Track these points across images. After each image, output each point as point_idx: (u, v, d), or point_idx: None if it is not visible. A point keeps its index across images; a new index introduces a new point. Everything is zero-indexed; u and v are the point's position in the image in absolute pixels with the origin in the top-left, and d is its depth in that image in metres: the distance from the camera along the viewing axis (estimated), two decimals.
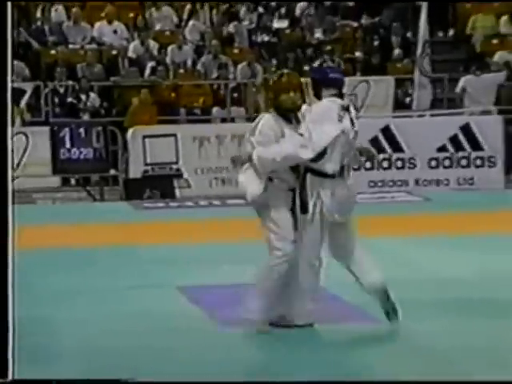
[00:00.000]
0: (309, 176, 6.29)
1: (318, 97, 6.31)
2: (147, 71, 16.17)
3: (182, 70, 16.54)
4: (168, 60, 16.67)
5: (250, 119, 15.62)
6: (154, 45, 16.88)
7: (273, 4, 18.74)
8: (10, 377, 4.00)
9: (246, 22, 18.01)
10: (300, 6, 18.40)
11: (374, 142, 13.68)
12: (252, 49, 17.30)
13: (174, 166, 14.04)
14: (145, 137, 14.01)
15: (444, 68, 16.11)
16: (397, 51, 17.01)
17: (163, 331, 6.57)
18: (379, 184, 13.68)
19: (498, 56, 16.61)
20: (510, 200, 13.18)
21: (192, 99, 15.84)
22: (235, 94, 15.97)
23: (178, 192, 13.98)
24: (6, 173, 3.89)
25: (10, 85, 3.90)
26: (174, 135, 14.10)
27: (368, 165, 13.71)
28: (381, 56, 16.85)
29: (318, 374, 5.52)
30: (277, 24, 18.00)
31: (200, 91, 16.06)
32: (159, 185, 13.92)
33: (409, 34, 17.30)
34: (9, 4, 3.89)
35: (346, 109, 6.30)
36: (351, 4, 18.48)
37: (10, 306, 3.94)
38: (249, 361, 5.98)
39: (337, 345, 6.30)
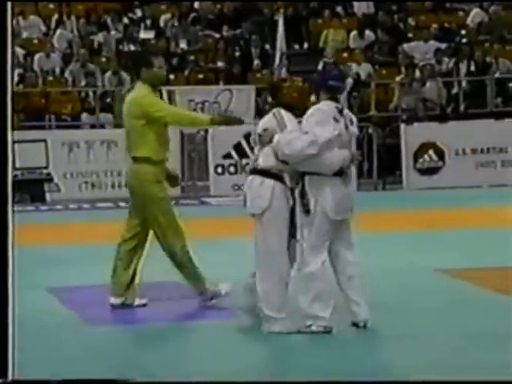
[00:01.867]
0: (307, 176, 6.20)
1: (317, 98, 6.33)
2: (15, 78, 15.83)
3: (50, 78, 16.29)
4: (36, 67, 16.38)
5: (118, 125, 15.55)
6: (19, 52, 16.55)
7: (138, 15, 18.67)
8: (10, 377, 3.85)
9: (113, 32, 17.86)
10: (164, 17, 18.40)
11: (238, 147, 13.83)
12: (118, 58, 17.17)
13: (44, 171, 13.80)
14: (14, 142, 13.66)
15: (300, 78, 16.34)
16: (256, 62, 17.21)
17: (33, 330, 6.47)
18: (243, 187, 13.75)
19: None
20: (362, 202, 13.51)
21: (61, 106, 15.62)
22: (103, 101, 15.85)
23: (48, 196, 13.76)
24: (6, 173, 3.83)
25: (10, 86, 3.83)
26: (44, 140, 13.88)
27: (232, 169, 13.87)
28: (241, 66, 17.01)
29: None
30: (143, 34, 17.94)
31: (69, 98, 15.86)
32: (29, 189, 13.65)
33: (267, 46, 17.51)
34: (9, 4, 3.79)
35: (340, 112, 6.28)
36: (212, 16, 18.59)
37: (10, 305, 3.80)
38: (116, 356, 5.91)
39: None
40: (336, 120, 6.20)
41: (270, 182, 6.28)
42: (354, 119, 6.41)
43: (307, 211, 6.20)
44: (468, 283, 7.86)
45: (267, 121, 6.40)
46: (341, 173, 6.22)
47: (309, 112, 6.27)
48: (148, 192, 6.95)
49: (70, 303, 7.21)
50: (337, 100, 6.34)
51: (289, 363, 5.77)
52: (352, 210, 6.32)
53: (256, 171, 6.36)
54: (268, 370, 5.69)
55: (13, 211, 3.95)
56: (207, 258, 9.26)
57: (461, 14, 19.18)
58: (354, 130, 6.38)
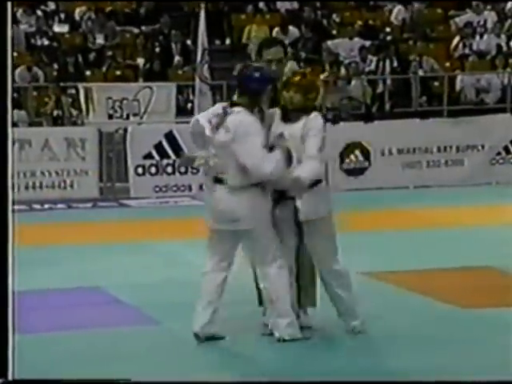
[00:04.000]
0: None
1: None
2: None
3: None
4: None
5: (32, 123, 15.40)
6: None
7: (52, 8, 18.50)
8: (10, 377, 3.82)
9: (23, 26, 17.66)
10: (79, 11, 18.27)
11: (159, 147, 13.79)
12: (31, 53, 16.99)
13: None
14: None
15: (222, 75, 16.42)
16: (177, 58, 17.22)
17: None
18: (163, 189, 13.81)
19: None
20: None
21: None
22: (15, 98, 15.64)
23: None
24: (6, 172, 3.72)
25: (10, 85, 3.77)
26: None
27: (153, 170, 13.87)
28: (162, 63, 17.00)
29: None
30: (57, 28, 17.78)
31: None
32: None
33: (188, 42, 17.54)
34: (9, 4, 3.77)
35: (225, 114, 6.22)
36: (130, 10, 18.55)
37: (10, 304, 3.78)
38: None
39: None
40: (209, 122, 6.29)
41: None
42: (230, 127, 6.12)
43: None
44: (392, 286, 8.03)
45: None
46: (216, 179, 6.24)
47: None
48: None
49: None
50: (234, 104, 6.26)
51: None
52: (233, 221, 6.14)
53: None
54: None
55: (13, 211, 3.89)
56: (127, 261, 9.32)
57: (385, 11, 19.53)
58: (221, 137, 6.16)
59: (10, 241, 3.86)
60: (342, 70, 16.71)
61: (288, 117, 6.26)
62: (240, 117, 6.15)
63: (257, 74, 6.24)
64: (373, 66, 17.27)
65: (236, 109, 6.19)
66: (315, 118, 6.25)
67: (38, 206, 13.37)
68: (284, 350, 6.19)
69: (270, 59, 6.46)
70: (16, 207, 14.06)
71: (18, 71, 16.09)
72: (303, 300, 6.54)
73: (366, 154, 14.74)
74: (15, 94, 15.70)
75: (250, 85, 6.22)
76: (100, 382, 4.70)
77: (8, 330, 3.78)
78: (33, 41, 17.41)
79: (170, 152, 13.72)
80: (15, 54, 16.80)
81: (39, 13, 18.10)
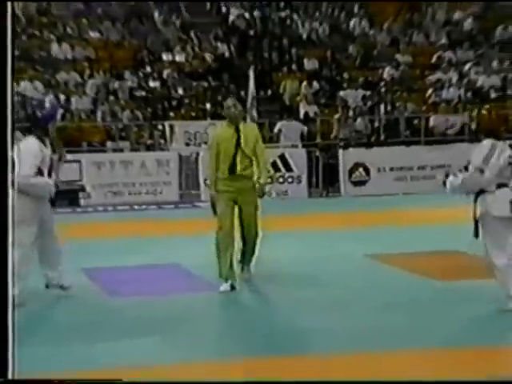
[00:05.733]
0: None
1: None
2: (59, 116, 15.57)
3: (84, 116, 16.11)
4: (73, 108, 16.18)
5: (133, 150, 15.41)
6: (63, 97, 16.33)
7: (148, 70, 18.49)
8: (9, 377, 2.99)
9: (129, 82, 17.71)
10: (166, 72, 18.24)
11: None
12: (133, 101, 17.02)
13: (79, 183, 13.62)
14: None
15: (266, 116, 16.32)
16: None
17: (65, 300, 6.33)
18: None
19: (302, 107, 17.02)
20: (312, 206, 13.49)
21: (92, 136, 15.49)
22: (122, 133, 15.69)
23: (82, 201, 13.57)
24: (6, 172, 3.03)
25: (10, 86, 2.94)
26: (79, 161, 13.71)
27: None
28: (223, 107, 16.89)
29: None
30: (151, 84, 17.82)
31: (97, 130, 15.71)
32: (68, 196, 13.40)
33: (242, 93, 17.44)
34: (9, 4, 2.97)
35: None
36: (202, 70, 18.46)
37: (10, 304, 2.98)
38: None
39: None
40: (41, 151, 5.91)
41: None
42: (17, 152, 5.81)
43: None
44: (387, 265, 7.80)
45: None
46: None
47: None
48: None
49: (97, 279, 7.04)
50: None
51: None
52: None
53: None
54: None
55: (13, 211, 3.32)
56: (200, 248, 9.14)
57: (379, 70, 19.31)
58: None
59: (9, 240, 2.93)
60: (350, 112, 16.51)
61: None
62: (24, 143, 5.87)
63: (38, 113, 6.04)
64: (371, 109, 17.06)
65: (27, 137, 5.88)
66: (484, 143, 5.55)
67: (137, 207, 13.32)
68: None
69: (228, 105, 6.56)
70: (122, 207, 14.15)
71: (124, 114, 16.09)
72: (246, 260, 6.57)
73: (367, 171, 14.59)
74: (122, 133, 15.71)
75: (36, 118, 5.96)
76: (100, 381, 3.91)
77: (8, 329, 2.92)
78: (134, 92, 17.44)
79: None
80: (122, 102, 16.82)
81: (140, 74, 18.14)
